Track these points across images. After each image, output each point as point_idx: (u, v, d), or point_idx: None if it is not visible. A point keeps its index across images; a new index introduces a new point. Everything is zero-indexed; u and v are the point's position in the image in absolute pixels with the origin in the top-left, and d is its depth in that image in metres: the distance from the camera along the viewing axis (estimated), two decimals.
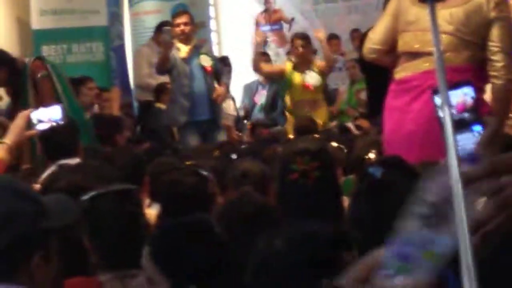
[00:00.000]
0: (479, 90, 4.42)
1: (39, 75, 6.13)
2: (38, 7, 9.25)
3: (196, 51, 8.37)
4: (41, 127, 3.61)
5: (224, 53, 11.75)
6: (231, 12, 13.30)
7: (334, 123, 9.15)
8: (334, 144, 5.13)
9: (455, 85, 1.75)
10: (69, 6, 9.45)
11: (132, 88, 10.61)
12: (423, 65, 4.40)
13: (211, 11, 12.51)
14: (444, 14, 4.30)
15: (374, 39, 4.66)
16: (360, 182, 2.42)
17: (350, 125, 8.77)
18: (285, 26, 13.30)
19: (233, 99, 10.58)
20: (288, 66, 9.00)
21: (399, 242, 1.22)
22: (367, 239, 2.24)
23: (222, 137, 8.41)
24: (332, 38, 11.23)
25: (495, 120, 1.69)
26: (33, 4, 9.26)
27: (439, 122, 1.59)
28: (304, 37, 8.97)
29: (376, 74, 5.72)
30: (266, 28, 11.50)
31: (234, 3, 13.47)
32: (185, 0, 11.13)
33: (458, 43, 4.36)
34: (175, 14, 8.85)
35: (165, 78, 9.67)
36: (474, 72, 4.39)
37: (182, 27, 8.27)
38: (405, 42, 4.50)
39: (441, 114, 1.46)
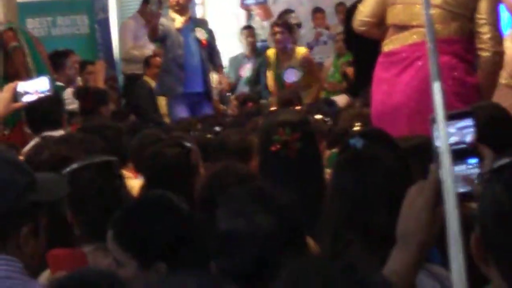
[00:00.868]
0: (468, 62, 4.45)
1: (9, 46, 6.02)
2: None
3: (192, 23, 8.35)
4: (28, 99, 3.58)
5: (207, 15, 11.60)
6: None
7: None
8: (319, 116, 5.14)
9: (455, 115, 1.75)
10: None
11: (117, 62, 10.57)
12: (411, 37, 4.40)
13: None
14: None
15: (364, 11, 4.66)
16: (341, 153, 2.42)
17: (336, 98, 8.76)
18: None
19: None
20: (270, 53, 9.02)
21: None
22: (349, 210, 2.27)
23: (210, 110, 8.38)
24: (317, 11, 11.19)
25: (491, 154, 1.71)
26: None
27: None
28: (284, 25, 8.98)
29: (363, 47, 5.72)
30: (251, 1, 11.41)
31: None
32: None
33: (446, 15, 4.36)
34: None
35: (149, 52, 9.64)
36: (463, 44, 4.40)
37: None
38: (394, 15, 4.50)
39: (438, 143, 1.48)
